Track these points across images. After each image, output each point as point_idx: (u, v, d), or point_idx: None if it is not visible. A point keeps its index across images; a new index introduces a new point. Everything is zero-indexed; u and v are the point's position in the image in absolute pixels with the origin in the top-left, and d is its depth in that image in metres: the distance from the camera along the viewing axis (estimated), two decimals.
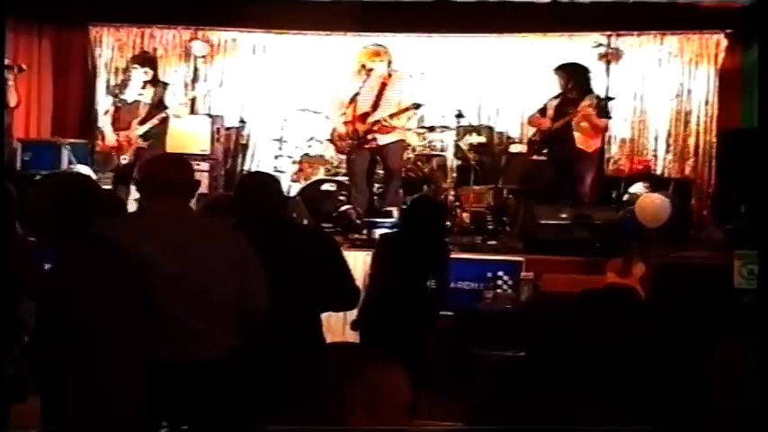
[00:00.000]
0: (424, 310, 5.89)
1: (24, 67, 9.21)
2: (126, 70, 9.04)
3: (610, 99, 8.81)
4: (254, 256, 3.90)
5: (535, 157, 8.99)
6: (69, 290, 3.11)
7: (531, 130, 9.28)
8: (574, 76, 8.58)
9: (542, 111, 8.69)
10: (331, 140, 8.88)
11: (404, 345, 5.15)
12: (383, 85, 8.52)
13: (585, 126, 8.47)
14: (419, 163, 9.52)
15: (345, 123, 8.62)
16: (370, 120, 8.51)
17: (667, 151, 10.39)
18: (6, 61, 8.35)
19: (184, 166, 4.11)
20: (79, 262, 3.18)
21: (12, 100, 8.73)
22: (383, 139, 8.56)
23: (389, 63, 8.62)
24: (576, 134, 8.43)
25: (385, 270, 5.84)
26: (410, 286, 5.78)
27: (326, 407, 2.11)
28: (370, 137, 8.50)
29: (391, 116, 8.47)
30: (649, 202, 8.34)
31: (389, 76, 8.57)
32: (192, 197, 4.18)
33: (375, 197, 9.07)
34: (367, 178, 8.84)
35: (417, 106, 8.59)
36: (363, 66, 8.56)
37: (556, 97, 8.62)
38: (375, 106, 8.52)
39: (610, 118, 8.73)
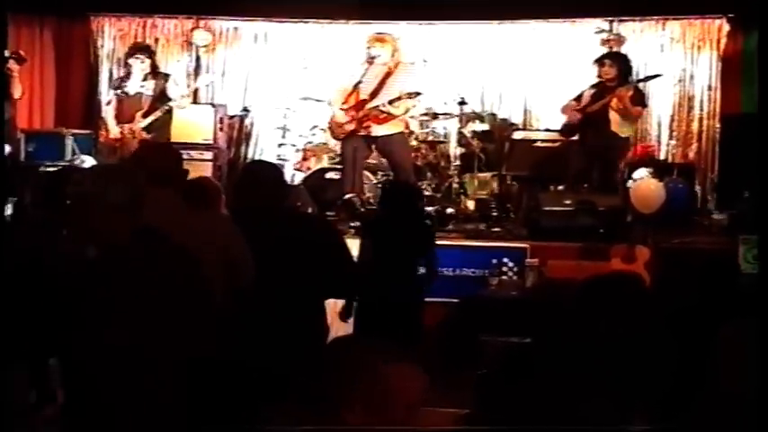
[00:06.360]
0: (416, 295, 5.90)
1: (24, 54, 9.11)
2: (126, 63, 9.01)
3: (651, 78, 8.84)
4: (239, 233, 3.98)
5: (550, 144, 8.93)
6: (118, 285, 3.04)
7: (561, 117, 8.96)
8: (623, 66, 8.53)
9: (578, 99, 8.63)
10: (330, 127, 8.80)
11: (399, 332, 5.20)
12: (387, 74, 8.37)
13: (621, 107, 8.37)
14: (422, 151, 9.50)
15: (344, 110, 8.43)
16: (368, 107, 8.35)
17: (671, 137, 10.38)
18: (6, 52, 8.33)
19: (170, 155, 4.12)
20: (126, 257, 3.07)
21: (16, 91, 8.68)
22: (377, 129, 8.36)
23: (394, 52, 8.43)
24: (612, 116, 8.33)
25: (369, 257, 5.78)
26: (397, 272, 5.77)
27: (324, 403, 2.06)
28: (365, 124, 8.37)
29: (390, 102, 8.24)
30: (644, 187, 8.33)
31: (396, 65, 8.43)
32: (180, 186, 4.04)
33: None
34: (360, 166, 8.65)
35: (415, 94, 8.32)
36: (368, 51, 8.47)
37: (594, 86, 8.56)
38: (374, 94, 8.37)
39: (645, 106, 8.68)
